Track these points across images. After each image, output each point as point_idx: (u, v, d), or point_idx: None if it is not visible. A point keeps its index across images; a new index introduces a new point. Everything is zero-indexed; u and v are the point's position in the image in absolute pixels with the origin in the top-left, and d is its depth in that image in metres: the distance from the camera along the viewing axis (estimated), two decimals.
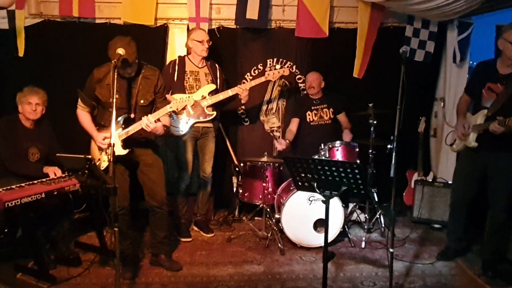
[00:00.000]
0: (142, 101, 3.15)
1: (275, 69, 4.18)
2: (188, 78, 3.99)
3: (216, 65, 4.16)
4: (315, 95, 4.53)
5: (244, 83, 4.74)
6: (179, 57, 4.09)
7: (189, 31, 4.21)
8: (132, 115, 3.14)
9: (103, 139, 3.12)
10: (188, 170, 4.05)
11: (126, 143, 3.13)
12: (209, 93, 3.92)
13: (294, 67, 4.79)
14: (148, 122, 3.01)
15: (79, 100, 3.26)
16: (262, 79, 4.13)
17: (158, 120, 3.09)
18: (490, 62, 3.30)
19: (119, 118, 3.07)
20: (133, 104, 3.14)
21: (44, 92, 3.58)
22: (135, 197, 3.38)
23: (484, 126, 3.17)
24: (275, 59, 4.75)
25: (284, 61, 4.76)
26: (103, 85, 3.11)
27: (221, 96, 3.95)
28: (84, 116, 3.26)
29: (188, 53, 4.08)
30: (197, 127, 3.99)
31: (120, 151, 3.08)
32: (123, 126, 3.10)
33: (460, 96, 3.57)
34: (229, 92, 3.97)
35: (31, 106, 3.47)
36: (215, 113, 3.97)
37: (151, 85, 3.18)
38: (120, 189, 3.20)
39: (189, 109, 3.86)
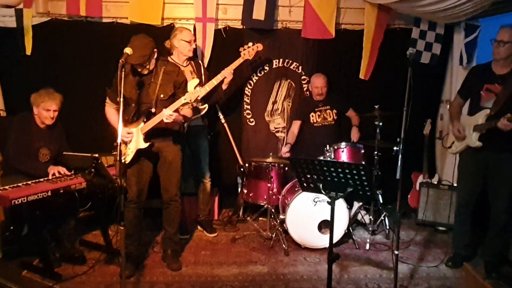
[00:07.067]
0: (162, 95, 3.23)
1: (249, 47, 4.17)
2: None
3: (200, 62, 4.15)
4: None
5: (250, 83, 4.78)
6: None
7: (173, 30, 4.03)
8: (153, 110, 3.20)
9: (127, 133, 3.18)
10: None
11: (147, 136, 3.20)
12: (194, 88, 3.90)
13: (300, 68, 4.79)
14: (167, 114, 3.07)
15: (107, 98, 3.36)
16: (240, 60, 4.10)
17: (177, 111, 3.15)
18: (485, 65, 3.39)
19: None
20: (154, 98, 3.21)
21: (61, 96, 3.50)
22: (149, 195, 3.43)
23: (488, 125, 3.17)
24: (281, 60, 4.76)
25: (290, 61, 4.77)
26: (126, 80, 3.15)
27: (207, 87, 3.93)
28: (111, 112, 3.37)
29: (171, 53, 3.95)
30: (189, 128, 3.91)
31: (141, 144, 3.19)
32: (144, 120, 3.18)
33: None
34: (214, 82, 3.95)
35: (49, 112, 3.44)
36: (206, 105, 3.93)
37: (171, 80, 3.27)
38: (136, 182, 3.27)
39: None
